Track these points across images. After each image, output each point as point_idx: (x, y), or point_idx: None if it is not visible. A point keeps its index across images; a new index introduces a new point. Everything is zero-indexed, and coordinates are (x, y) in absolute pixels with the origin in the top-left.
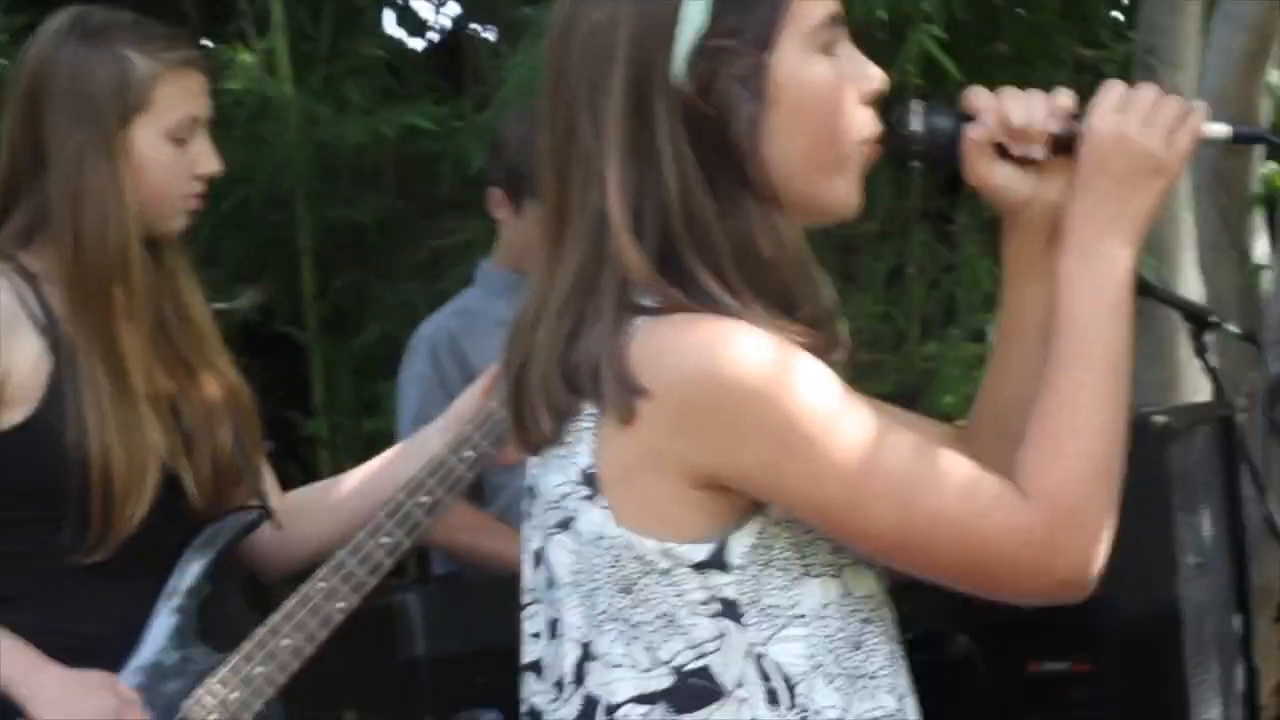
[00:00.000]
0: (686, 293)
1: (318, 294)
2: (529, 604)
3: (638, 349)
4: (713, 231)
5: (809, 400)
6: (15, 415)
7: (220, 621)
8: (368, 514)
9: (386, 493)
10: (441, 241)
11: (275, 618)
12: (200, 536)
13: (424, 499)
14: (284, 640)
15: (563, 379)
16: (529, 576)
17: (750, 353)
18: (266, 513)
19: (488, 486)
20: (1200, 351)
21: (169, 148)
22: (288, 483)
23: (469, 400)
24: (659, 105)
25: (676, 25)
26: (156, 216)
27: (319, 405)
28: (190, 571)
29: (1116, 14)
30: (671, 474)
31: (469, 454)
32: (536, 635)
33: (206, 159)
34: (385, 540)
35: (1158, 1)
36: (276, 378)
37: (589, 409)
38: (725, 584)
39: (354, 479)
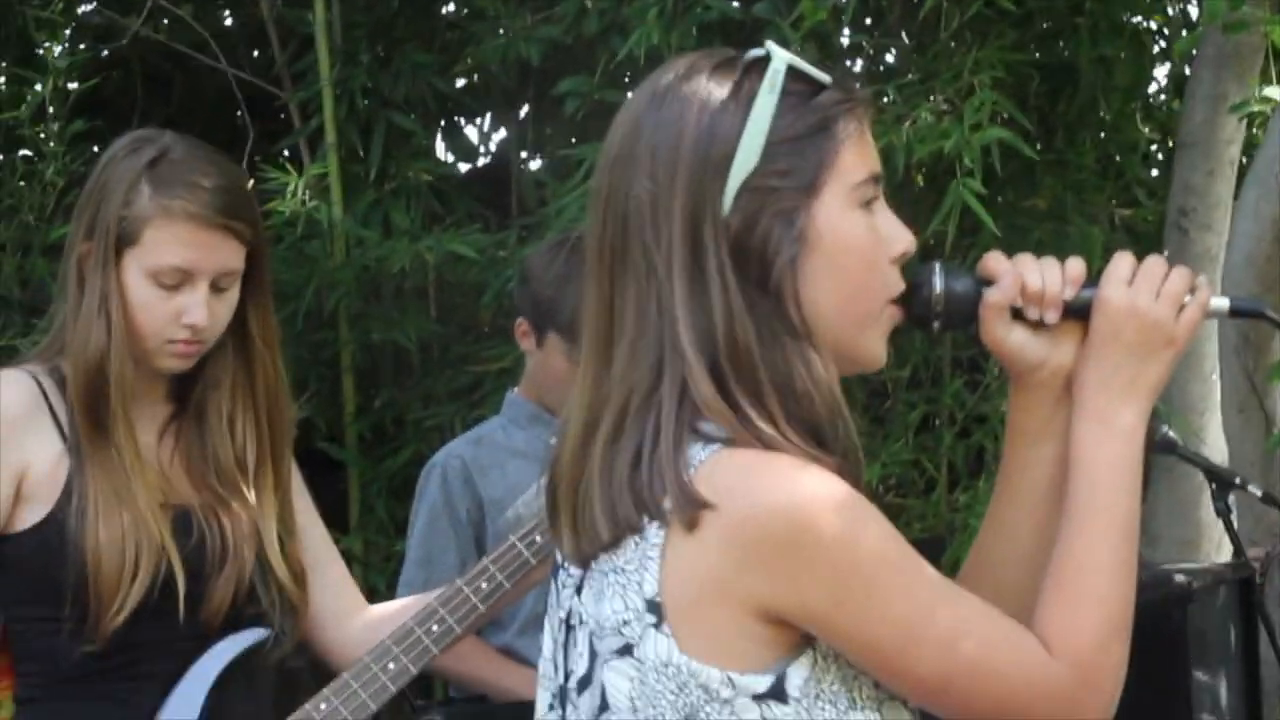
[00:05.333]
0: (736, 417)
1: (357, 413)
2: None
3: (709, 475)
4: (755, 361)
5: (877, 546)
6: (32, 515)
7: None
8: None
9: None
10: (480, 367)
11: None
12: (211, 649)
13: (434, 628)
14: None
15: (630, 495)
16: (543, 709)
17: (825, 496)
18: (279, 637)
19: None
20: (1222, 512)
21: (151, 289)
22: None
23: None
24: (709, 236)
25: (731, 161)
26: (142, 351)
27: (354, 523)
28: (197, 682)
29: (1154, 172)
30: (738, 605)
31: (484, 586)
32: None
33: (193, 310)
34: (391, 666)
35: (1193, 165)
36: (314, 494)
37: (654, 532)
38: (783, 715)
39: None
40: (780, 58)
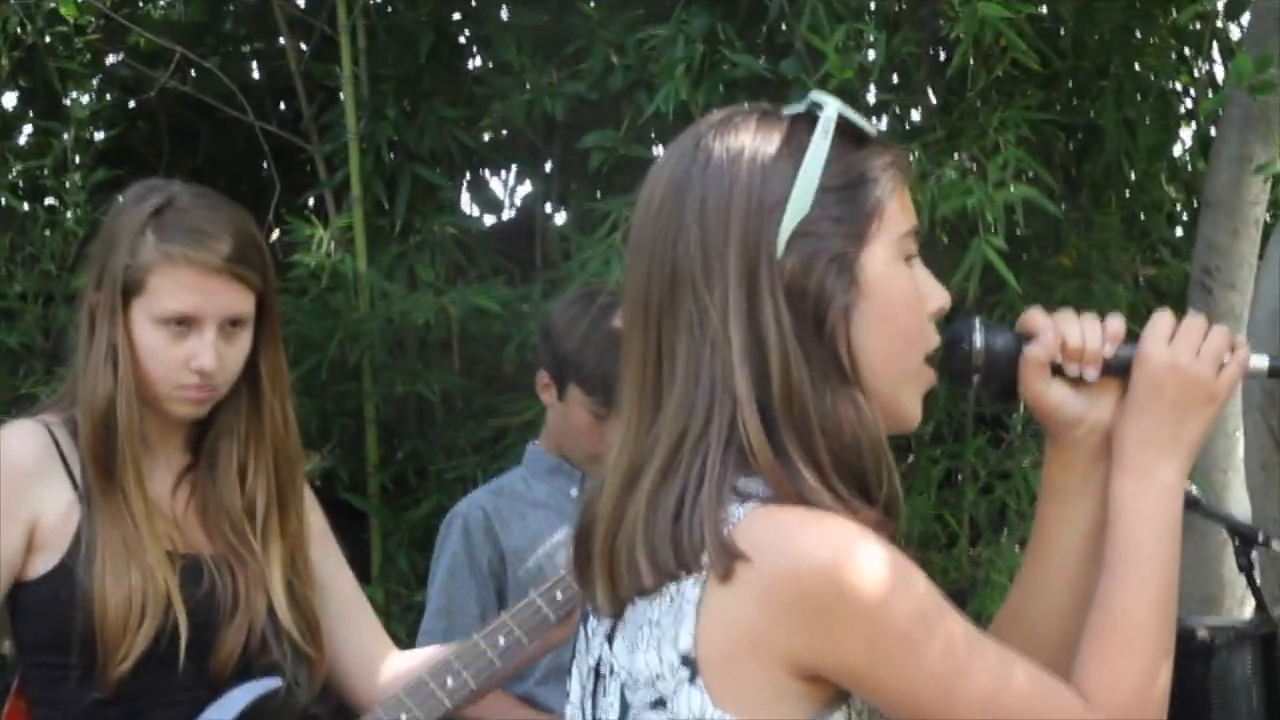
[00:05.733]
0: (781, 465)
1: (380, 464)
2: None
3: (748, 533)
4: (808, 407)
5: (913, 603)
6: (44, 564)
7: None
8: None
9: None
10: (503, 420)
11: None
12: (223, 697)
13: (449, 681)
14: None
15: (672, 543)
16: None
17: (862, 553)
18: (290, 687)
19: None
20: (1245, 568)
21: (158, 335)
22: None
23: None
24: (765, 281)
25: (784, 206)
26: (152, 396)
27: (376, 573)
28: None
29: (1178, 231)
30: (773, 661)
31: (501, 641)
32: None
33: (201, 355)
34: (403, 718)
35: (1217, 225)
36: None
37: (691, 586)
38: None
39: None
40: (832, 106)
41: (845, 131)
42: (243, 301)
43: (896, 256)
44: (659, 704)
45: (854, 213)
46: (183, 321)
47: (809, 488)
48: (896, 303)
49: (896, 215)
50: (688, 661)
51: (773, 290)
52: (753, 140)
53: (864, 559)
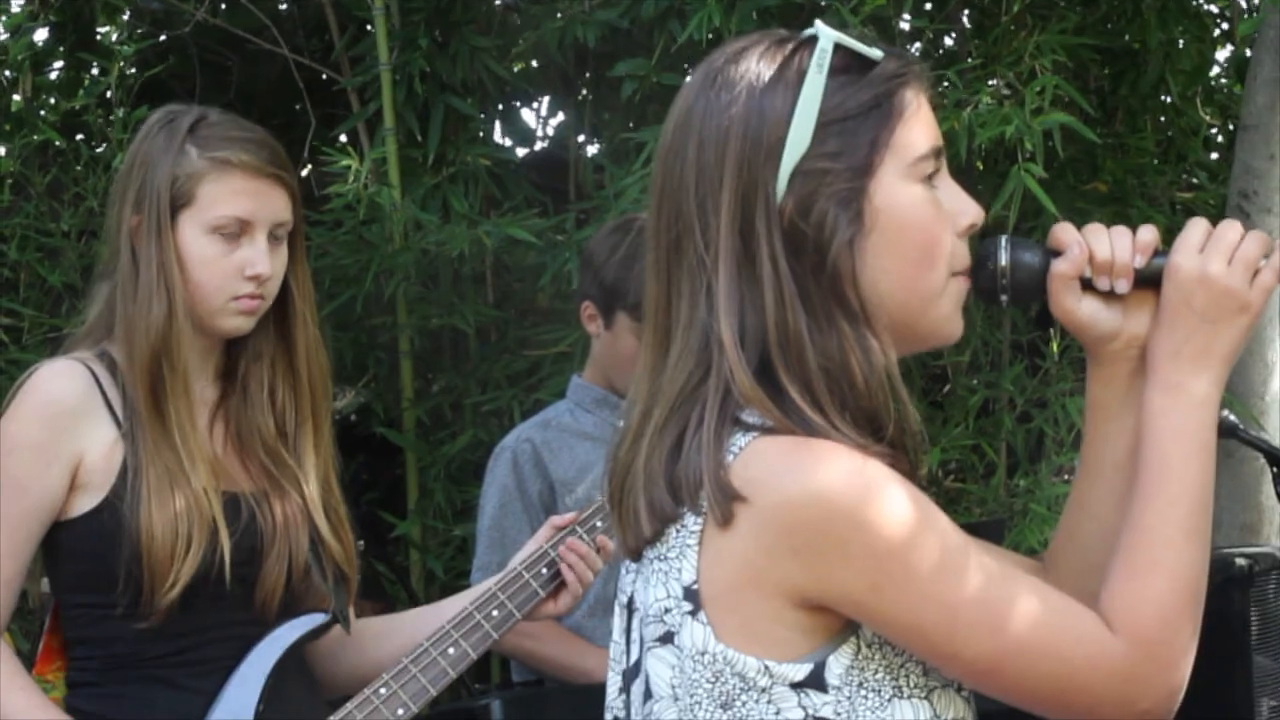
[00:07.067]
0: (779, 408)
1: (416, 398)
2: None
3: (744, 465)
4: (805, 349)
5: (912, 528)
6: (87, 502)
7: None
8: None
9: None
10: (539, 351)
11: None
12: (270, 634)
13: (494, 613)
14: None
15: (667, 486)
16: (614, 691)
17: (858, 479)
18: (336, 618)
19: None
20: None
21: (211, 245)
22: (377, 582)
23: (547, 530)
24: (761, 223)
25: (783, 146)
26: (205, 312)
27: (412, 508)
28: (255, 665)
29: (1214, 155)
30: (773, 593)
31: (544, 571)
32: None
33: (257, 261)
34: (450, 651)
35: (1254, 148)
36: (372, 477)
37: (692, 520)
38: (823, 704)
39: (431, 606)
40: (827, 36)
41: (848, 60)
42: (287, 207)
43: (910, 180)
44: (667, 638)
45: (856, 144)
46: (234, 229)
47: (813, 421)
48: (908, 229)
49: (909, 138)
50: (691, 595)
51: (770, 232)
52: (754, 75)
53: (860, 485)
